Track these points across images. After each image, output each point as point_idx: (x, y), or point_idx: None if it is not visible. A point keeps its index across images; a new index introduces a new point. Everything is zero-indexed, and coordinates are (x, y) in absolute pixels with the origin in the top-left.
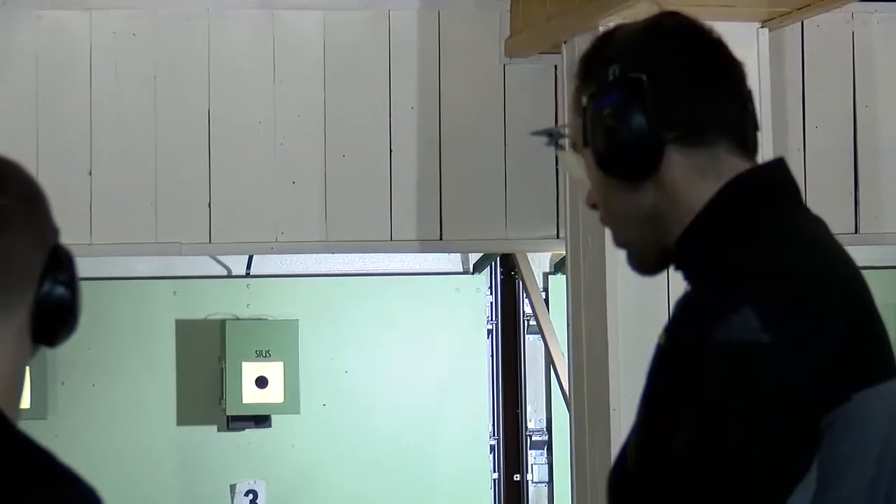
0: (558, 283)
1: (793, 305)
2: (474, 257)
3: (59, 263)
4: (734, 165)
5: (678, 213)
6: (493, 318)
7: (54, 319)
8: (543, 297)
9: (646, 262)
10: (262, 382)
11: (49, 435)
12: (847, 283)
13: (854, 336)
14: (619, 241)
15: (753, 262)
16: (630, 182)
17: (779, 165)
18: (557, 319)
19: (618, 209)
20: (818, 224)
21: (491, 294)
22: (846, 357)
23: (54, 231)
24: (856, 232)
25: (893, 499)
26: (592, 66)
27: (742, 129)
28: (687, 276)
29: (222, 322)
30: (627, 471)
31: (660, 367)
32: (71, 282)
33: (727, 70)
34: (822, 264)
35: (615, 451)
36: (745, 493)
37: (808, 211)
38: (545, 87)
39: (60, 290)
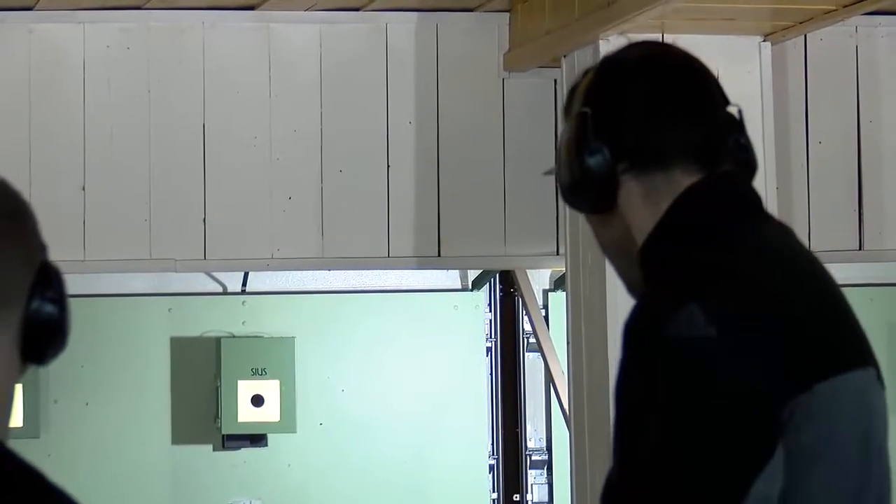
0: (558, 299)
1: (740, 299)
2: (473, 274)
3: (48, 280)
4: (690, 182)
5: (636, 242)
6: (493, 336)
7: (43, 337)
8: (543, 314)
9: (635, 290)
10: (257, 401)
11: (42, 454)
12: (804, 275)
13: (812, 328)
14: (615, 270)
15: (701, 260)
16: (596, 215)
17: (727, 177)
18: (557, 337)
19: (599, 241)
20: (781, 229)
21: (490, 311)
22: (803, 348)
23: (42, 247)
24: (859, 248)
25: (885, 492)
26: (567, 105)
27: (706, 150)
28: (645, 279)
29: (218, 340)
30: (611, 479)
31: (622, 368)
32: (60, 299)
33: (688, 94)
34: (774, 259)
35: None
36: (702, 488)
37: (768, 217)
38: (544, 102)
39: (49, 308)
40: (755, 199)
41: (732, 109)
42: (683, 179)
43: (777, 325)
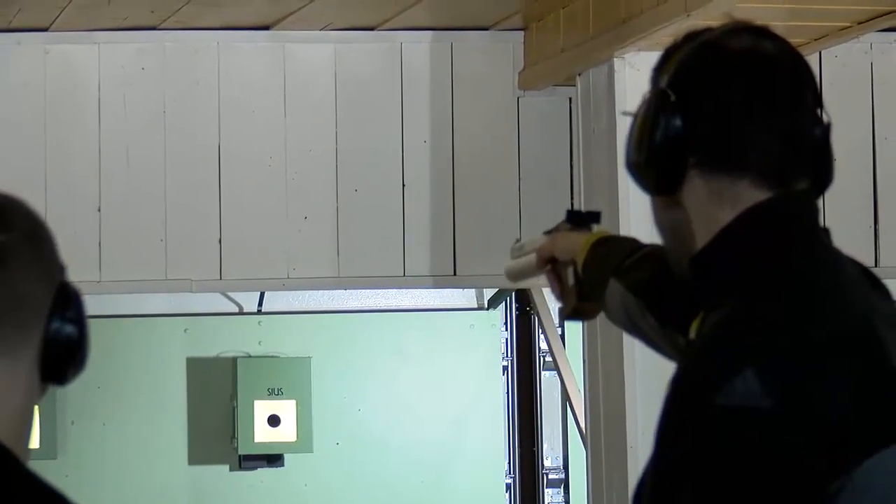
0: None
1: (799, 367)
2: (489, 293)
3: (67, 300)
4: (753, 196)
5: (695, 237)
6: (509, 355)
7: (63, 357)
8: (559, 332)
9: (679, 272)
10: (274, 421)
11: (59, 475)
12: (864, 335)
13: (867, 397)
14: (665, 247)
15: (759, 316)
16: (651, 196)
17: (797, 199)
18: (574, 355)
19: (655, 219)
20: (840, 263)
21: (506, 330)
22: (857, 420)
23: (61, 268)
24: (875, 265)
25: None
26: (654, 72)
27: (777, 162)
28: (702, 307)
29: (234, 360)
30: None
31: (663, 423)
32: (79, 319)
33: (774, 100)
34: (834, 318)
35: (632, 489)
36: None
37: (828, 248)
38: (560, 120)
39: (68, 328)
40: (815, 228)
41: (823, 117)
42: (749, 189)
43: (830, 397)
